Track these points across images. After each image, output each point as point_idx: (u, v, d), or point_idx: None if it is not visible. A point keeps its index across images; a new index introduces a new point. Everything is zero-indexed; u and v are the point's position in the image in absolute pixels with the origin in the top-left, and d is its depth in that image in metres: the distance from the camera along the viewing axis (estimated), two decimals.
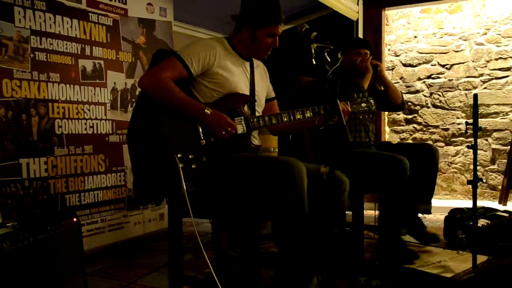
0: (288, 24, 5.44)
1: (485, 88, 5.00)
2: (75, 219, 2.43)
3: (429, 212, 3.15)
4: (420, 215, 3.25)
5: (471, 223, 3.16)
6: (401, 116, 5.42)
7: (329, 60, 1.79)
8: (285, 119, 2.19)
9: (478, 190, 5.07)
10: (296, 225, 1.92)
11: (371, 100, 2.27)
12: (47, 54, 2.87)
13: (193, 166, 2.05)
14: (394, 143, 3.26)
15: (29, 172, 2.76)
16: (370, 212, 3.57)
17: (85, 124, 3.12)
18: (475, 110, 2.19)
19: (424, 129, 5.31)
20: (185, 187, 1.94)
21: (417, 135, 5.34)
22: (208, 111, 2.07)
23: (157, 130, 2.07)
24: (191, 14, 4.70)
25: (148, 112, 2.10)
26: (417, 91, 5.32)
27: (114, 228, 3.31)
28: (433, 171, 3.07)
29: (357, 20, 5.09)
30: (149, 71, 2.16)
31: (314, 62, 1.80)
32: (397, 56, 5.41)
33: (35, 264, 1.88)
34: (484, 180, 4.99)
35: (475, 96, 2.20)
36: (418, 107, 5.32)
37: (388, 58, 5.42)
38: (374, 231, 3.46)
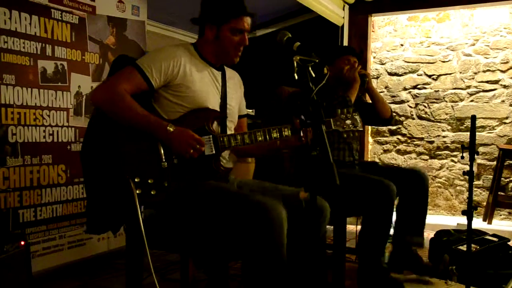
0: (271, 27, 5.27)
1: (472, 100, 4.83)
2: (22, 242, 2.19)
3: (421, 246, 2.86)
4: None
5: (459, 247, 3.00)
6: (385, 126, 5.23)
7: (313, 75, 1.54)
8: (260, 138, 1.92)
9: (462, 206, 4.92)
10: (273, 275, 1.67)
11: (357, 117, 2.00)
12: (1, 53, 2.58)
13: (152, 192, 1.78)
14: (380, 163, 3.01)
15: None
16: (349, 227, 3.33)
17: (44, 131, 2.83)
18: (472, 133, 1.98)
19: (409, 141, 5.12)
20: (141, 218, 1.67)
21: (401, 147, 5.16)
22: (170, 129, 1.81)
23: (113, 149, 1.80)
24: (166, 13, 4.42)
25: (104, 127, 1.83)
26: (402, 102, 5.13)
27: (74, 245, 3.03)
28: (423, 200, 2.79)
29: (343, 25, 4.89)
30: (102, 84, 1.89)
31: (296, 77, 1.55)
32: (382, 64, 5.22)
33: None
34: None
35: (473, 117, 1.99)
36: (402, 118, 5.13)
37: (373, 66, 5.23)
38: (355, 253, 3.23)
